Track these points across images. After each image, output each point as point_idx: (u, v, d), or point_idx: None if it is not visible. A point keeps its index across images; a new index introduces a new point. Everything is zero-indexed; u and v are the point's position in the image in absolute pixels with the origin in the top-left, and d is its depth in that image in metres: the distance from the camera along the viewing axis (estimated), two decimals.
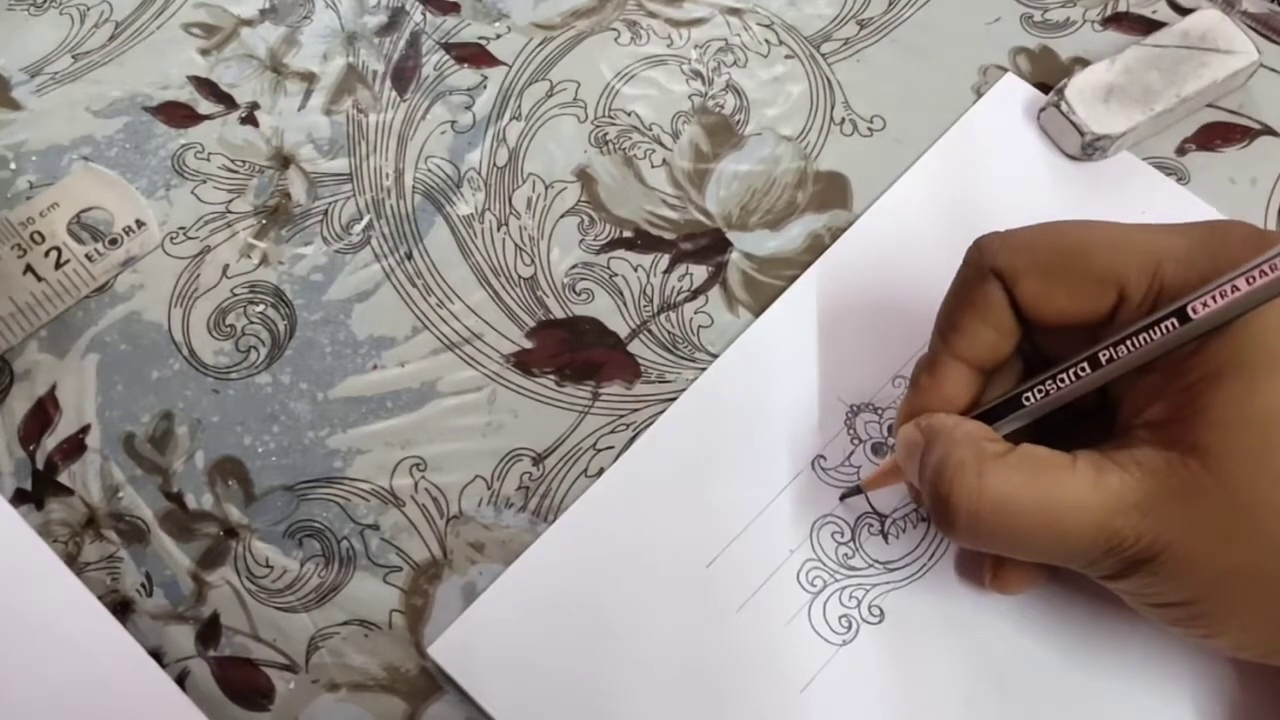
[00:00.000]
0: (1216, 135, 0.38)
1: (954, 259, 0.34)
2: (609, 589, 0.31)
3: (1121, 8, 0.40)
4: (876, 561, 0.32)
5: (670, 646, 0.31)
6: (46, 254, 0.35)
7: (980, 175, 0.36)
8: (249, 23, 0.40)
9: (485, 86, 0.39)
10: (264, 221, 0.37)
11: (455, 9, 0.40)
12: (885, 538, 0.32)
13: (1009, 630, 0.31)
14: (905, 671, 0.30)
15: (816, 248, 0.36)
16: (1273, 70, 0.38)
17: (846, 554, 0.32)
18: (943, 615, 0.31)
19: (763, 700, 0.30)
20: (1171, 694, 0.30)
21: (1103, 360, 0.26)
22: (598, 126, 0.38)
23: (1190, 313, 0.24)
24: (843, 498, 0.32)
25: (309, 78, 0.39)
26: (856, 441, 0.33)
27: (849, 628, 0.31)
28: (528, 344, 0.35)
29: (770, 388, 0.34)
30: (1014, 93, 0.38)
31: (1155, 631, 0.30)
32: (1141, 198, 0.36)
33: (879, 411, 0.33)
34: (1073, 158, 0.37)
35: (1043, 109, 0.37)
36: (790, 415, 0.33)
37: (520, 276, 0.36)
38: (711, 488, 0.32)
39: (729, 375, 0.34)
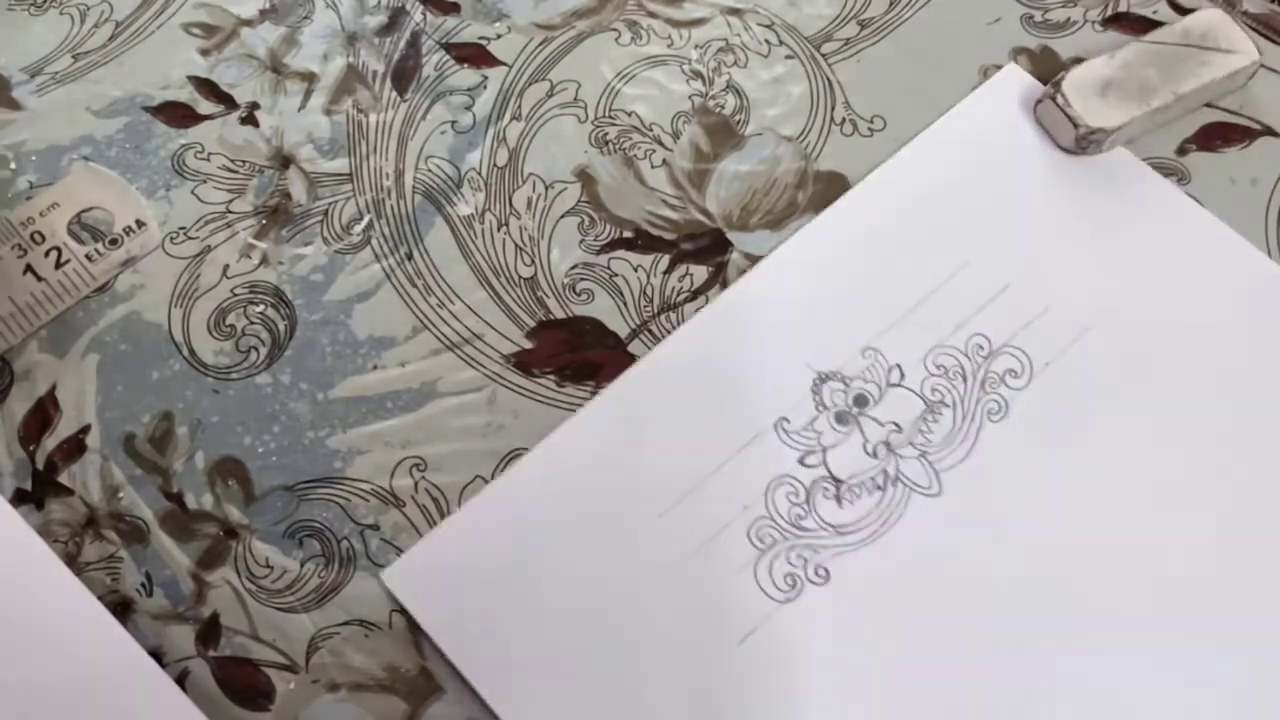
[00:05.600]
0: (1217, 136, 0.38)
1: (937, 240, 0.35)
2: (563, 531, 0.32)
3: (1122, 8, 0.40)
4: (828, 525, 0.32)
5: (616, 590, 0.31)
6: (46, 254, 0.35)
7: (971, 160, 0.37)
8: (249, 23, 0.40)
9: (485, 86, 0.39)
10: (264, 221, 0.37)
11: (455, 9, 0.40)
12: (839, 502, 0.32)
13: (954, 605, 0.31)
14: (845, 634, 0.31)
15: None
16: (1273, 70, 0.38)
17: (799, 514, 0.32)
18: (889, 583, 0.31)
19: (701, 648, 0.31)
20: (1124, 679, 0.30)
21: None
22: (598, 127, 0.38)
23: None
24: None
25: (309, 78, 0.39)
26: (821, 408, 0.33)
27: (793, 585, 0.31)
28: (528, 344, 0.35)
29: (742, 349, 0.34)
30: (1015, 83, 0.38)
31: (1095, 620, 0.31)
32: (1133, 195, 0.36)
33: (846, 381, 0.34)
34: (1067, 150, 0.37)
35: (1039, 101, 0.37)
36: (759, 377, 0.34)
37: (520, 277, 0.36)
38: (674, 440, 0.33)
39: (704, 333, 0.34)
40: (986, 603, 0.31)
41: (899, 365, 0.34)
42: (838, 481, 0.33)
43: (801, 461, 0.33)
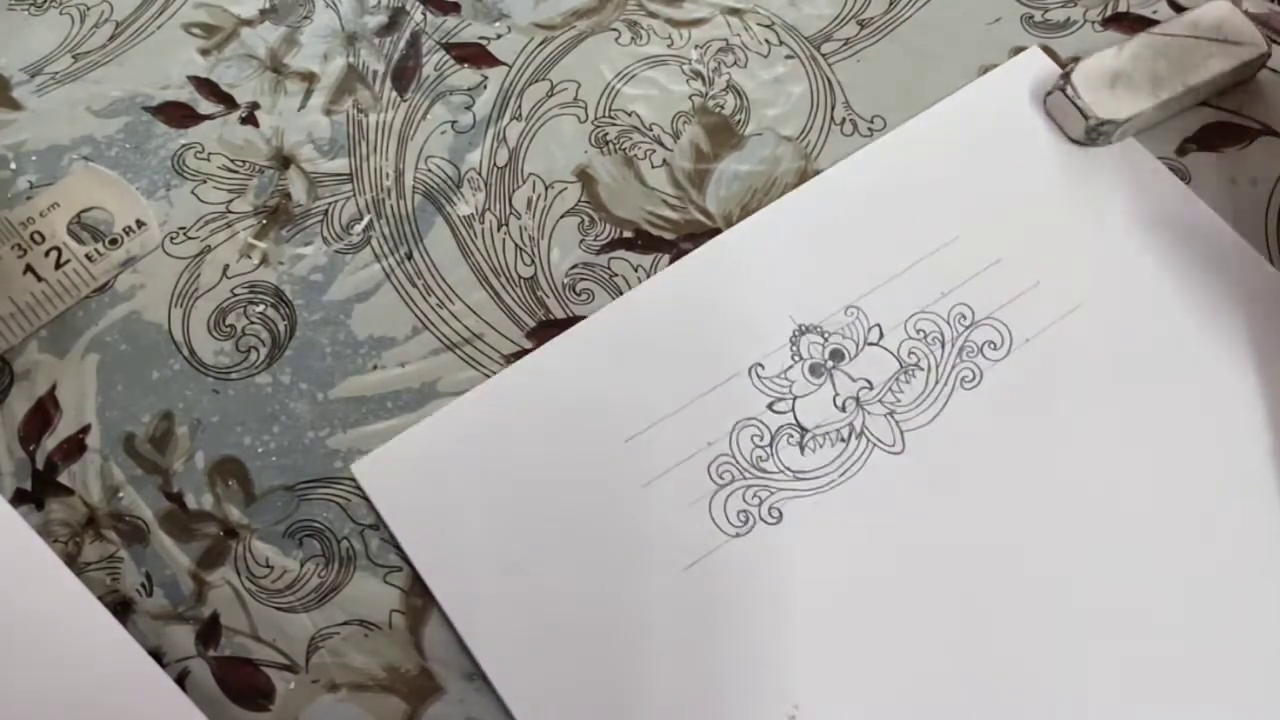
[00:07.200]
0: (1217, 136, 0.37)
1: (933, 210, 0.36)
2: (533, 442, 0.33)
3: (1122, 8, 0.40)
4: (788, 469, 0.33)
5: (573, 504, 0.32)
6: (47, 254, 0.35)
7: (979, 138, 0.37)
8: (249, 23, 0.40)
9: (485, 86, 0.39)
10: (264, 221, 0.37)
11: (455, 9, 0.40)
12: (802, 449, 0.33)
13: (901, 559, 0.32)
14: (790, 573, 0.32)
15: None
16: (1273, 71, 0.38)
17: (761, 456, 0.33)
18: (839, 531, 0.32)
19: (646, 569, 0.32)
20: (1072, 650, 0.31)
21: None
22: (598, 126, 0.38)
23: None
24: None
25: (309, 78, 0.39)
26: (797, 359, 0.34)
27: (745, 522, 0.32)
28: (528, 344, 0.35)
29: (728, 292, 0.35)
30: (1034, 65, 0.38)
31: (1041, 593, 0.31)
32: (1137, 185, 0.36)
33: (825, 335, 0.34)
34: (1076, 141, 0.37)
35: (1049, 93, 0.37)
36: (740, 322, 0.34)
37: (520, 277, 0.36)
38: (650, 370, 0.34)
39: (693, 272, 0.35)
40: (933, 562, 0.32)
41: (879, 325, 0.34)
42: (803, 430, 0.33)
43: (770, 407, 0.33)
